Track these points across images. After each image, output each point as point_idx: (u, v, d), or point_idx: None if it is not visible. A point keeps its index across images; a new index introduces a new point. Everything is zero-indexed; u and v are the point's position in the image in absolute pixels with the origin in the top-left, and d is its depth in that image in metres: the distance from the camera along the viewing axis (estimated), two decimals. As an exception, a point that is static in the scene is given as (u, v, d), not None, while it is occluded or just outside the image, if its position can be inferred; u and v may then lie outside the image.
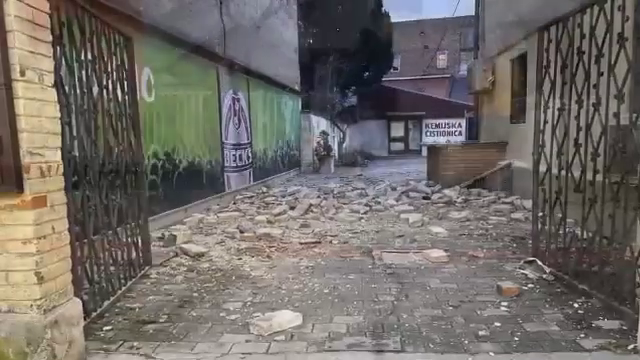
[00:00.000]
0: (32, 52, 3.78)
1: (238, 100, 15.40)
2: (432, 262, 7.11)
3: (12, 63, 3.63)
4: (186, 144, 11.53)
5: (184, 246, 7.92)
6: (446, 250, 7.61)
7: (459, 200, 12.63)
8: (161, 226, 9.85)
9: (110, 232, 5.64)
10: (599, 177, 5.23)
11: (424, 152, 27.84)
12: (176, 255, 7.67)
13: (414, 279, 6.35)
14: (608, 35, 5.03)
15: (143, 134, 7.07)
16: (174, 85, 11.05)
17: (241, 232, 9.25)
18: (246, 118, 16.17)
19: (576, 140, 5.64)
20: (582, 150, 5.54)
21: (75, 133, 4.78)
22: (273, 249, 8.07)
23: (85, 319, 4.63)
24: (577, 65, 5.68)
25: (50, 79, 4.02)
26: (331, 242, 8.58)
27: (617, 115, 4.87)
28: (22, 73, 3.67)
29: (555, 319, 4.90)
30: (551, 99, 6.23)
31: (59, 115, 4.18)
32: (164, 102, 10.54)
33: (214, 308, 5.43)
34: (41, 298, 3.87)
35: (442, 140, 37.29)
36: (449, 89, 54.25)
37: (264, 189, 16.24)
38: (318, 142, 25.55)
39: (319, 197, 13.62)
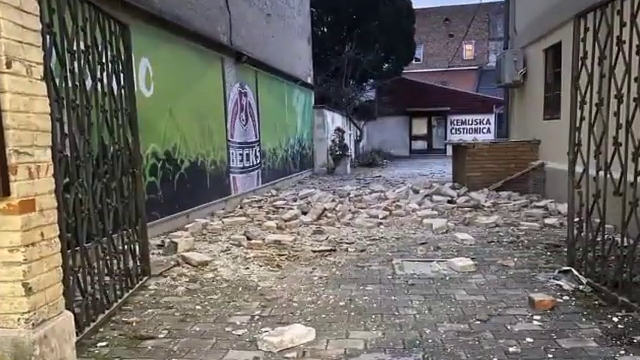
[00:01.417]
0: (19, 42, 3.78)
1: (245, 94, 15.42)
2: (458, 272, 7.07)
3: (-3, 54, 3.62)
4: (188, 143, 11.55)
5: (186, 254, 7.92)
6: (473, 259, 7.56)
7: (487, 204, 12.55)
8: (161, 232, 9.87)
9: (105, 239, 5.64)
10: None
11: (449, 151, 27.78)
12: (177, 264, 7.67)
13: (438, 290, 6.31)
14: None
15: (141, 132, 7.06)
16: (175, 78, 11.08)
17: (248, 239, 9.24)
18: (254, 114, 16.18)
19: (615, 138, 5.55)
20: (622, 149, 5.47)
21: (67, 130, 4.78)
22: (283, 258, 8.05)
23: (77, 334, 4.63)
24: (617, 56, 5.61)
25: (39, 71, 4.01)
26: (347, 250, 8.55)
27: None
28: (8, 65, 3.66)
29: (592, 334, 4.84)
30: (588, 93, 6.17)
31: (49, 111, 4.17)
32: (164, 96, 10.56)
33: (219, 322, 5.41)
34: (29, 311, 3.86)
35: (469, 138, 37.05)
36: (476, 82, 54.22)
37: (273, 192, 16.25)
38: (333, 140, 25.54)
39: (334, 201, 13.59)
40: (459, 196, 13.72)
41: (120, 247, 6.15)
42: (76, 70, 5.03)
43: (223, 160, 13.54)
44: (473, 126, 40.83)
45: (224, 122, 13.71)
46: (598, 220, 6.02)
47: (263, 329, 5.14)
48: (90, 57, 5.39)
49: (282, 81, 19.68)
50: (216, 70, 13.43)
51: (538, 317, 5.30)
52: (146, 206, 7.58)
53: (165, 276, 7.14)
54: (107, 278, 5.70)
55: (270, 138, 17.89)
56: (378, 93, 37.10)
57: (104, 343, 4.94)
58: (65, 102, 4.77)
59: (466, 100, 40.73)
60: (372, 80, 35.32)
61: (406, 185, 17.16)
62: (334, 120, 27.19)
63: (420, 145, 42.07)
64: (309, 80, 24.46)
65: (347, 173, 24.55)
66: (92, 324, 5.15)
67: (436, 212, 11.76)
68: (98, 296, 5.40)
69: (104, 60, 5.78)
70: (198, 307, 5.91)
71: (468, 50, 58.53)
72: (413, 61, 41.49)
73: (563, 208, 10.82)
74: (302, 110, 22.92)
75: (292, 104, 21.28)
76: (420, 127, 42.22)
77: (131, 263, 6.48)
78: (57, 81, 4.60)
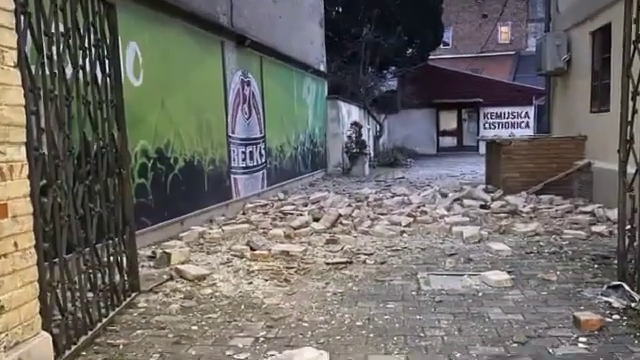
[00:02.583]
0: (-11, 24, 3.78)
1: (248, 83, 15.44)
2: (492, 287, 7.05)
3: (-36, 38, 3.63)
4: (183, 139, 11.56)
5: (180, 267, 7.92)
6: (510, 272, 7.54)
7: (526, 209, 12.50)
8: (152, 242, 9.87)
9: (88, 250, 5.64)
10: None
11: (482, 149, 27.71)
12: (170, 278, 7.67)
13: (469, 309, 6.28)
14: None
15: (129, 126, 7.06)
16: (168, 65, 11.09)
17: (252, 250, 9.23)
18: (258, 106, 16.21)
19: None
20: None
21: (44, 125, 4.79)
22: (292, 271, 8.05)
23: (56, 358, 4.63)
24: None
25: (12, 57, 4.02)
26: (365, 262, 8.54)
27: None
28: (-23, 50, 3.66)
29: (648, 360, 4.82)
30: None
31: (24, 102, 4.18)
32: (155, 86, 10.58)
33: (218, 345, 5.41)
34: (1, 332, 3.86)
35: (505, 134, 37.03)
36: (513, 70, 54.11)
37: (281, 195, 16.25)
38: (349, 136, 25.51)
39: (350, 206, 13.58)
40: (493, 200, 13.68)
41: (105, 259, 6.15)
42: (54, 56, 5.03)
43: (223, 159, 13.56)
44: (509, 120, 40.75)
45: (224, 115, 13.74)
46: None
47: (269, 352, 5.13)
48: (71, 41, 5.39)
49: (291, 68, 19.70)
50: (215, 56, 13.45)
51: (584, 339, 5.27)
52: (135, 212, 7.58)
53: (157, 292, 7.14)
54: (90, 294, 5.70)
55: (277, 134, 17.92)
56: (401, 82, 37.04)
57: (86, 368, 4.95)
58: (42, 92, 4.78)
59: (501, 90, 40.62)
60: (394, 67, 35.23)
61: (433, 188, 17.13)
62: (350, 113, 27.17)
63: (449, 142, 42.02)
64: (322, 67, 24.46)
65: (365, 174, 24.55)
66: (73, 347, 5.14)
67: (467, 219, 11.72)
68: (80, 315, 5.40)
69: (87, 44, 5.78)
70: (194, 327, 5.91)
71: (504, 33, 58.45)
72: (441, 45, 41.48)
73: (613, 214, 10.74)
74: (314, 102, 22.93)
75: (302, 95, 21.31)
76: (449, 121, 42.16)
77: (118, 277, 6.48)
78: (33, 68, 4.60)
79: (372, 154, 29.82)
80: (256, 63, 16.06)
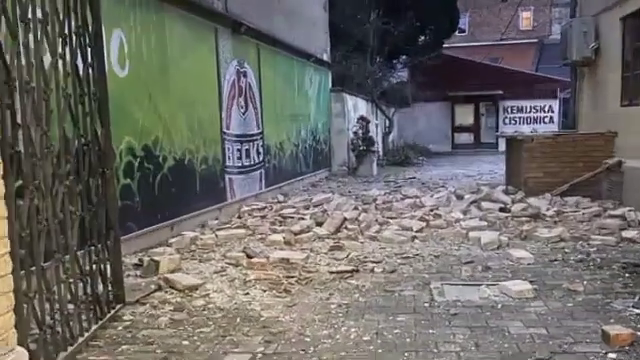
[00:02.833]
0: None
1: (245, 74, 15.45)
2: (513, 298, 7.04)
3: None
4: (173, 136, 11.56)
5: (170, 276, 7.92)
6: (532, 282, 7.54)
7: (550, 213, 12.48)
8: (138, 249, 9.88)
9: (68, 257, 5.64)
10: None
11: (501, 146, 27.69)
12: (159, 289, 7.67)
13: (487, 322, 6.29)
14: None
15: (113, 122, 7.07)
16: (156, 54, 11.09)
17: (249, 257, 9.23)
18: (255, 99, 16.21)
19: None
20: None
21: (19, 120, 4.79)
22: (293, 281, 8.05)
23: (33, 376, 4.63)
24: None
25: (-16, 46, 4.01)
26: (373, 271, 8.55)
27: None
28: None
29: (685, 379, 4.82)
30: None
31: (-3, 96, 4.18)
32: (142, 77, 10.59)
33: (210, 362, 5.41)
34: (-28, 347, 3.87)
35: (526, 129, 36.91)
36: (536, 59, 54.07)
37: (280, 197, 16.24)
38: (355, 132, 25.50)
39: (356, 209, 13.56)
40: (514, 203, 13.66)
41: (87, 267, 6.15)
42: (31, 44, 5.03)
43: (217, 157, 13.57)
44: (532, 114, 40.72)
45: (218, 109, 13.75)
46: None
47: (266, 370, 5.13)
48: (49, 28, 5.39)
49: (291, 58, 19.72)
50: (208, 44, 13.46)
51: (614, 355, 5.27)
52: (120, 215, 7.59)
53: (144, 303, 7.14)
54: (71, 306, 5.71)
55: (276, 129, 17.93)
56: (412, 73, 36.97)
57: (67, 388, 4.95)
58: (18, 84, 4.78)
59: (523, 82, 40.50)
60: (404, 57, 35.23)
61: (447, 189, 17.14)
62: (357, 107, 27.17)
63: (465, 138, 42.00)
64: (325, 57, 24.44)
65: (373, 174, 24.54)
66: (52, 364, 5.16)
67: (485, 223, 11.71)
68: (59, 329, 5.40)
69: (67, 32, 5.78)
70: (185, 343, 5.91)
71: (526, 19, 58.47)
72: (456, 33, 41.39)
73: (646, 218, 10.76)
74: (316, 94, 22.93)
75: (304, 87, 21.32)
76: (465, 116, 42.15)
77: (101, 287, 6.49)
78: (7, 58, 4.61)
79: (381, 152, 29.83)
80: (253, 52, 16.07)
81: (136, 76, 10.35)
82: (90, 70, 6.32)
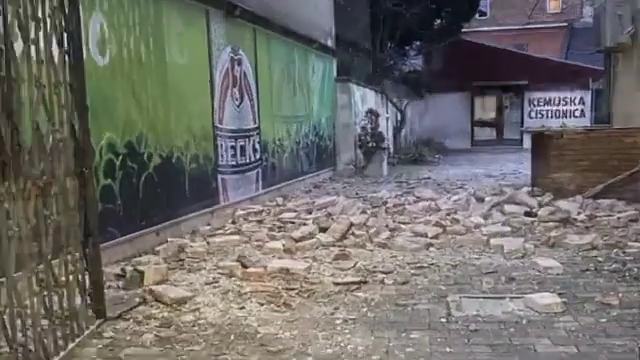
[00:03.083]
0: None
1: (239, 62, 15.45)
2: (539, 313, 7.04)
3: None
4: (159, 131, 11.55)
5: (156, 288, 7.93)
6: (561, 294, 7.53)
7: (581, 217, 12.48)
8: (121, 257, 9.89)
9: (42, 267, 5.64)
10: None
11: (526, 143, 27.68)
12: (144, 302, 7.68)
13: (511, 339, 6.29)
14: None
15: (92, 115, 7.07)
16: (140, 40, 11.08)
17: (244, 267, 9.24)
18: (252, 90, 16.21)
19: None
20: None
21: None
22: (293, 293, 8.05)
23: (3, 401, 4.64)
24: None
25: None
26: (383, 282, 8.54)
27: None
28: None
29: None
30: None
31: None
32: (125, 66, 10.58)
33: (201, 384, 5.42)
34: None
35: (554, 124, 36.81)
36: (565, 46, 54.03)
37: (279, 200, 16.22)
38: (363, 127, 25.45)
39: (364, 213, 13.58)
40: (541, 206, 13.65)
41: (63, 278, 6.16)
42: (0, 29, 5.03)
43: (208, 155, 13.56)
44: (560, 107, 40.69)
45: (210, 101, 13.74)
46: None
47: (264, 394, 5.14)
48: (21, 10, 5.39)
49: (292, 43, 19.70)
50: (198, 28, 13.46)
51: (653, 377, 5.26)
52: (100, 220, 7.59)
53: (127, 319, 7.15)
54: (45, 322, 5.71)
55: (275, 124, 17.93)
56: (427, 61, 36.97)
57: (41, 413, 4.96)
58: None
59: (551, 71, 40.43)
60: (418, 43, 35.17)
61: (466, 191, 17.13)
62: (365, 99, 27.13)
63: (486, 134, 41.98)
64: (330, 42, 24.41)
65: (383, 173, 24.53)
66: (24, 386, 5.16)
67: (509, 229, 11.72)
68: (32, 347, 5.41)
69: (40, 14, 5.78)
70: (173, 362, 5.92)
71: (554, 0, 58.40)
72: (476, 16, 41.34)
73: (689, 223, 10.75)
74: (320, 85, 22.92)
75: (306, 76, 21.30)
76: (486, 109, 42.13)
77: (79, 301, 6.49)
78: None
79: (392, 149, 29.81)
80: (249, 37, 16.07)
81: (118, 65, 10.34)
82: (66, 57, 6.32)
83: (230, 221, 13.35)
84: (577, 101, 40.20)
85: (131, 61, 10.75)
